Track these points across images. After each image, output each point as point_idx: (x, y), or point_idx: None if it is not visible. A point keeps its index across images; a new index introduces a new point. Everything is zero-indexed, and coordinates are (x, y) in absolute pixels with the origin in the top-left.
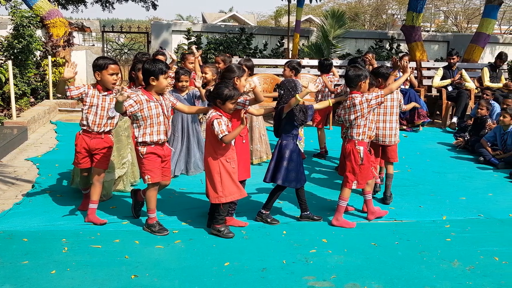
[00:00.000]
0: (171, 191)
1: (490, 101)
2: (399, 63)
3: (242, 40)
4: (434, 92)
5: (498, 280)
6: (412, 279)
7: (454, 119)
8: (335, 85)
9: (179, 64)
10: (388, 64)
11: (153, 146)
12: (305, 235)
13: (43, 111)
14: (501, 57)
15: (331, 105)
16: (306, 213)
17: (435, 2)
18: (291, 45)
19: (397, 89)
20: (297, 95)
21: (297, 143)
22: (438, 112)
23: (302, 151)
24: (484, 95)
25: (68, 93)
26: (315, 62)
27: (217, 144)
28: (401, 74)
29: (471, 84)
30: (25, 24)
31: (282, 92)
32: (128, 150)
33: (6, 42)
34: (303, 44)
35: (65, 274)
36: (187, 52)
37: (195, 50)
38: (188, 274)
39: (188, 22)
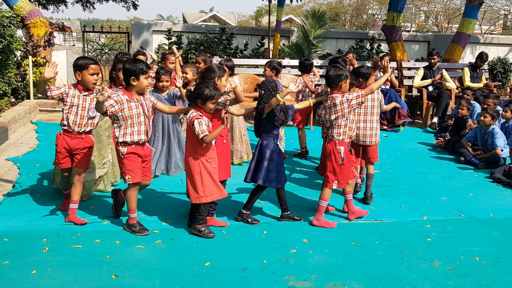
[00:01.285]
0: (152, 191)
1: (471, 101)
2: (379, 63)
3: (222, 40)
4: (414, 92)
5: (479, 280)
6: (393, 279)
7: (435, 119)
8: (316, 85)
9: (159, 64)
10: (369, 64)
11: (133, 146)
12: (285, 235)
13: (23, 111)
14: (482, 57)
15: (311, 105)
16: (286, 213)
17: (415, 2)
18: (271, 45)
19: (377, 89)
20: (277, 95)
21: (278, 143)
22: (418, 112)
23: (283, 151)
24: (465, 95)
25: (48, 93)
26: (295, 62)
27: (198, 144)
28: (381, 74)
29: (451, 84)
30: (5, 24)
31: (262, 92)
32: (108, 150)
33: None
34: (283, 44)
35: (45, 274)
36: (167, 52)
37: (175, 50)
38: (168, 274)
39: (168, 22)
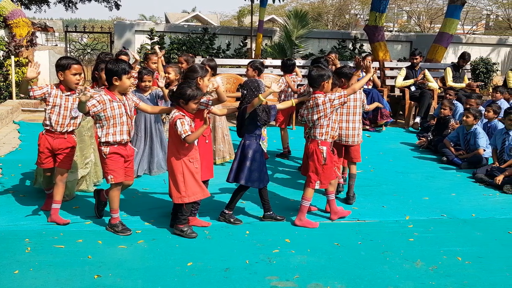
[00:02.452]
0: (134, 191)
1: (453, 101)
2: (362, 63)
3: (205, 40)
4: (397, 92)
5: (461, 280)
6: (375, 279)
7: (417, 119)
8: (298, 85)
9: (142, 64)
10: (351, 64)
11: (116, 146)
12: (268, 235)
13: (6, 111)
14: (464, 57)
15: (294, 105)
16: (269, 213)
17: (398, 2)
18: (254, 45)
19: (360, 89)
20: (260, 95)
21: (260, 143)
22: (401, 112)
23: (265, 151)
24: (447, 95)
25: (31, 93)
26: (278, 62)
27: (180, 144)
28: (364, 74)
29: (434, 84)
30: None
31: (245, 92)
32: (91, 150)
33: None
34: (266, 44)
35: (28, 274)
36: (150, 52)
37: (158, 50)
38: (151, 274)
39: (151, 22)
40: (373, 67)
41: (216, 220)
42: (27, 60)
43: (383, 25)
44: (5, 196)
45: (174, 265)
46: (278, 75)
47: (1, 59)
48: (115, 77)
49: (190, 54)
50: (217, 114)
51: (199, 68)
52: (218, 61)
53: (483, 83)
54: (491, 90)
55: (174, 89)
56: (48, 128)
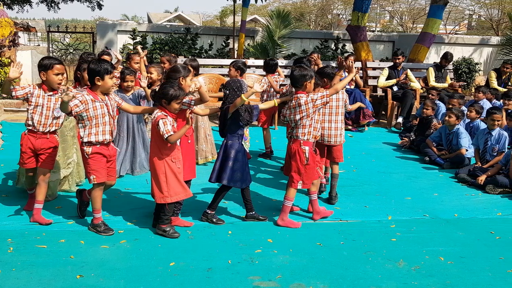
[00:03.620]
0: (117, 191)
1: (436, 101)
2: (344, 63)
3: (187, 40)
4: (379, 92)
5: (443, 280)
6: (358, 279)
7: (400, 119)
8: (281, 85)
9: (124, 64)
10: (334, 64)
11: (98, 146)
12: (250, 235)
13: None
14: (447, 57)
15: (276, 105)
16: (251, 213)
17: (380, 2)
18: (236, 45)
19: (342, 89)
20: (242, 95)
21: (243, 143)
22: (383, 112)
23: (248, 151)
24: (430, 95)
25: (13, 93)
26: (260, 62)
27: (163, 144)
28: (346, 74)
29: (416, 84)
30: None
31: (227, 92)
32: (73, 150)
33: None
34: (248, 44)
35: (10, 274)
36: (132, 52)
37: (140, 50)
38: (133, 274)
39: (133, 22)
40: (355, 67)
41: (199, 220)
42: (9, 60)
43: (365, 25)
44: None
45: (157, 265)
46: (260, 75)
47: None
48: (98, 77)
49: (173, 54)
50: (200, 114)
51: (181, 68)
52: (201, 61)
53: (465, 83)
54: (473, 90)
55: (157, 89)
56: (30, 128)
